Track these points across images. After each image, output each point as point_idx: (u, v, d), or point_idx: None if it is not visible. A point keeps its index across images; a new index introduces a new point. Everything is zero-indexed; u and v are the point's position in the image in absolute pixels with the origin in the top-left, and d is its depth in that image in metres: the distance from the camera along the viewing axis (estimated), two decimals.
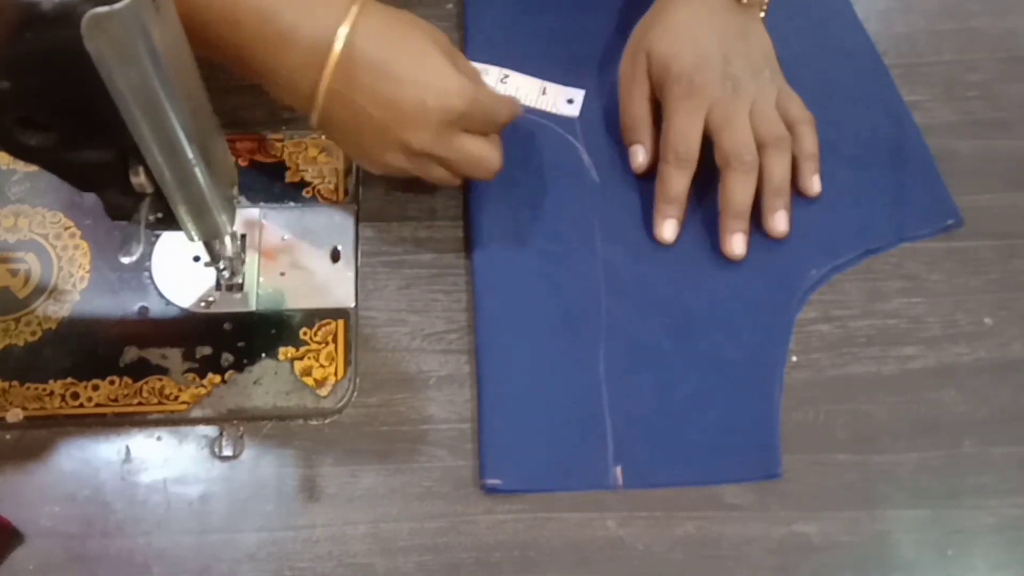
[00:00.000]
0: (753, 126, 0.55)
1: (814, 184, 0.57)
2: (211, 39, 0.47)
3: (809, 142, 0.56)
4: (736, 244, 0.55)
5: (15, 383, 0.50)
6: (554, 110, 0.61)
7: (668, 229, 0.56)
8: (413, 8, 0.52)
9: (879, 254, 0.57)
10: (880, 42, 0.64)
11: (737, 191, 0.55)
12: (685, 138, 0.55)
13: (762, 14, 0.58)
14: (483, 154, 0.51)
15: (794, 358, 0.54)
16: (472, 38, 0.63)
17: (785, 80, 0.58)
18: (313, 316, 0.53)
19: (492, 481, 0.49)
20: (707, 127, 0.55)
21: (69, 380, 0.51)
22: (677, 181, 0.55)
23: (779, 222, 0.56)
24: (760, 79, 0.56)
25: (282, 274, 0.54)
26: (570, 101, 0.61)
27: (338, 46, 0.46)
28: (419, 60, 0.48)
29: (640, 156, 0.58)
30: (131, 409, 0.50)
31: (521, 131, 0.59)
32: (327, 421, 0.51)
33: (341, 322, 0.53)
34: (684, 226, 0.57)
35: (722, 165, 0.55)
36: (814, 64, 0.62)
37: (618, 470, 0.50)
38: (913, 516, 0.50)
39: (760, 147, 0.55)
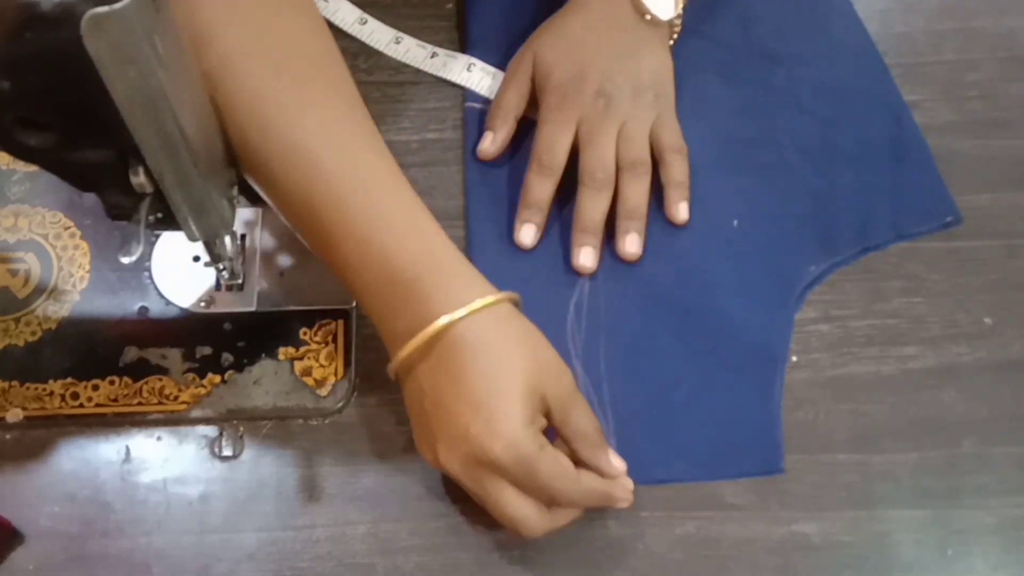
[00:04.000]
0: (617, 146, 0.55)
1: (680, 212, 0.56)
2: (338, 271, 0.47)
3: (677, 170, 0.56)
4: (584, 257, 0.55)
5: (15, 383, 0.50)
6: None
7: (527, 234, 0.55)
8: (413, 8, 0.52)
9: (878, 252, 0.57)
10: (880, 42, 0.64)
11: (587, 207, 0.54)
12: (550, 149, 0.55)
13: (672, 40, 0.58)
14: (515, 513, 0.44)
15: (794, 358, 0.54)
16: (472, 37, 0.63)
17: (673, 106, 0.57)
18: (313, 316, 0.53)
19: None
20: (576, 139, 0.55)
21: (69, 380, 0.51)
22: (539, 188, 0.55)
23: (630, 244, 0.55)
24: (639, 100, 0.55)
25: (282, 274, 0.54)
26: None
27: (434, 327, 0.43)
28: (493, 384, 0.43)
29: (487, 141, 0.58)
30: (131, 409, 0.50)
31: (519, 130, 0.59)
32: (327, 421, 0.51)
33: (341, 322, 0.53)
34: (684, 225, 0.57)
35: (579, 179, 0.55)
36: (814, 62, 0.62)
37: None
38: (913, 516, 0.50)
39: (618, 169, 0.55)
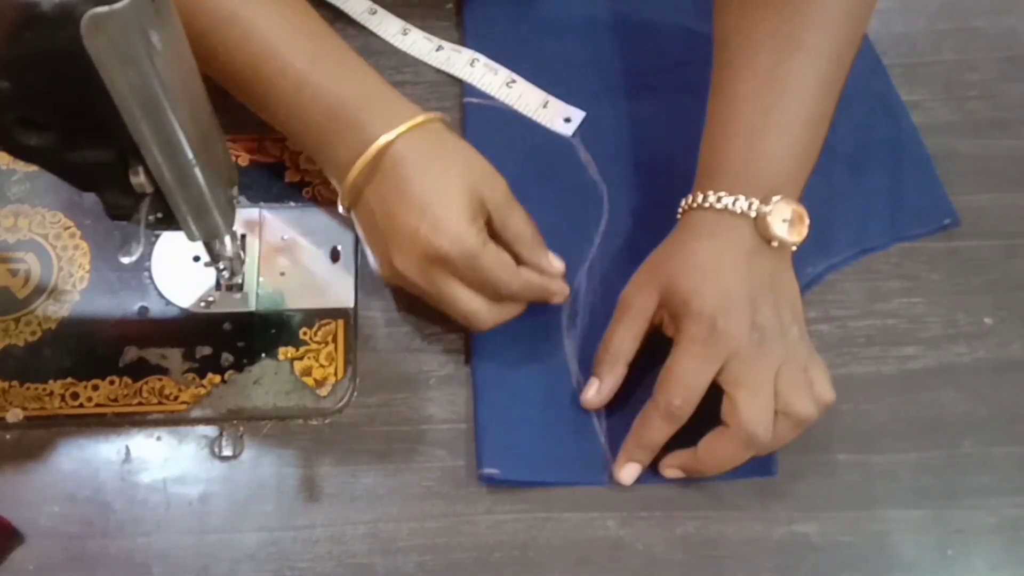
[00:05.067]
0: (778, 391, 0.47)
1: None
2: (276, 119, 0.51)
3: (810, 423, 0.48)
4: (673, 475, 0.50)
5: (15, 383, 0.50)
6: (550, 125, 0.60)
7: (629, 472, 0.50)
8: (412, 8, 0.52)
9: (876, 253, 0.57)
10: (880, 42, 0.64)
11: (725, 456, 0.48)
12: (687, 389, 0.47)
13: (793, 249, 0.50)
14: (466, 307, 0.49)
15: None
16: (470, 36, 0.63)
17: (810, 342, 0.50)
18: (313, 316, 0.53)
19: (489, 470, 0.49)
20: (722, 377, 0.47)
21: (69, 380, 0.51)
22: (659, 431, 0.48)
23: (668, 472, 0.50)
24: (787, 338, 0.48)
25: (282, 274, 0.54)
26: (567, 120, 0.60)
27: (374, 147, 0.48)
28: (436, 190, 0.47)
29: (592, 390, 0.51)
30: (131, 409, 0.50)
31: (518, 129, 0.59)
32: (327, 421, 0.51)
33: (341, 322, 0.53)
34: None
35: (727, 421, 0.47)
36: None
37: (614, 466, 0.50)
38: (913, 516, 0.50)
39: (776, 414, 0.47)
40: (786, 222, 0.49)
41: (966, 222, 0.58)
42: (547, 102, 0.61)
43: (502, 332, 0.53)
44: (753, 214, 0.49)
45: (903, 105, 0.62)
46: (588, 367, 0.52)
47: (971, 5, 0.67)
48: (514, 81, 0.61)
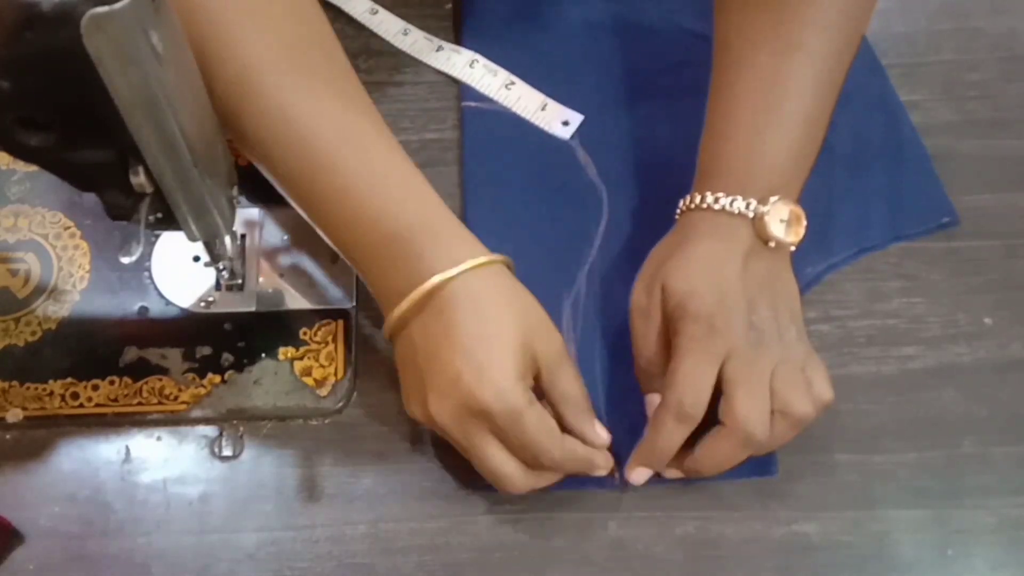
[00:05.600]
0: (774, 390, 0.46)
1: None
2: (329, 233, 0.48)
3: (808, 424, 0.48)
4: (674, 476, 0.49)
5: (15, 383, 0.50)
6: (548, 128, 0.60)
7: (640, 475, 0.49)
8: (411, 8, 0.52)
9: (876, 253, 0.57)
10: (880, 42, 0.64)
11: (722, 456, 0.47)
12: (695, 388, 0.46)
13: (791, 249, 0.50)
14: (499, 468, 0.45)
15: None
16: (468, 36, 0.63)
17: (810, 344, 0.49)
18: (313, 316, 0.53)
19: None
20: (721, 376, 0.47)
21: (69, 380, 0.51)
22: (672, 435, 0.47)
23: (670, 474, 0.49)
24: (785, 338, 0.48)
25: (282, 274, 0.54)
26: (565, 123, 0.60)
27: (428, 284, 0.44)
28: (487, 340, 0.44)
29: (658, 401, 0.49)
30: (131, 409, 0.50)
31: (516, 132, 0.59)
32: (327, 421, 0.51)
33: (341, 322, 0.53)
34: None
35: (723, 420, 0.46)
36: None
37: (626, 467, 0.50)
38: (913, 516, 0.50)
39: (773, 413, 0.46)
40: (783, 223, 0.48)
41: (966, 222, 0.58)
42: (545, 105, 0.61)
43: None
44: (751, 214, 0.48)
45: (902, 105, 0.62)
46: (588, 369, 0.52)
47: (971, 5, 0.67)
48: (513, 83, 0.61)
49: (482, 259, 0.45)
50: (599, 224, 0.57)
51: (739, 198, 0.49)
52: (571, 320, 0.54)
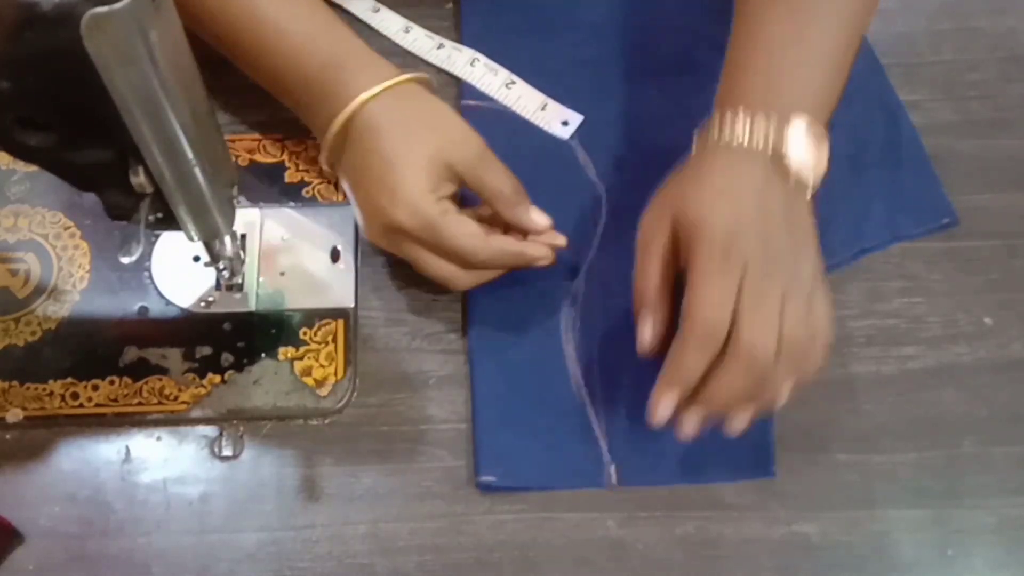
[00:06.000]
0: (780, 323, 0.45)
1: (780, 393, 0.47)
2: (261, 79, 0.53)
3: (811, 362, 0.47)
4: (689, 424, 0.47)
5: (15, 383, 0.50)
6: (548, 128, 0.60)
7: (665, 407, 0.46)
8: (412, 7, 0.52)
9: (876, 253, 0.57)
10: (880, 42, 0.64)
11: (724, 384, 0.45)
12: (715, 316, 0.44)
13: (809, 194, 0.48)
14: (437, 273, 0.50)
15: None
16: (468, 35, 0.63)
17: (825, 283, 0.48)
18: (313, 316, 0.53)
19: (487, 478, 0.49)
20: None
21: (69, 380, 0.51)
22: (695, 363, 0.45)
23: (738, 422, 0.47)
24: (797, 266, 0.46)
25: (282, 274, 0.54)
26: (565, 123, 0.60)
27: (351, 107, 0.48)
28: (397, 161, 0.48)
29: (648, 331, 0.48)
30: (131, 409, 0.50)
31: (516, 130, 0.59)
32: (327, 421, 0.51)
33: (341, 322, 0.53)
34: None
35: (729, 349, 0.45)
36: None
37: (612, 468, 0.50)
38: (913, 516, 0.50)
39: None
40: (805, 142, 0.47)
41: (966, 222, 0.58)
42: (545, 104, 0.61)
43: (500, 334, 0.53)
44: (771, 137, 0.47)
45: (901, 105, 0.62)
46: (588, 369, 0.53)
47: (971, 5, 0.67)
48: (513, 82, 0.61)
49: (400, 78, 0.49)
50: (598, 224, 0.57)
51: (760, 116, 0.47)
52: (569, 320, 0.54)
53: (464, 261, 0.49)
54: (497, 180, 0.50)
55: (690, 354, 0.45)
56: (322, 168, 0.54)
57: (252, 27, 0.51)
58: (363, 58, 0.51)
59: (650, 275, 0.48)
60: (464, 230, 0.48)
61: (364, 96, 0.48)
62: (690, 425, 0.46)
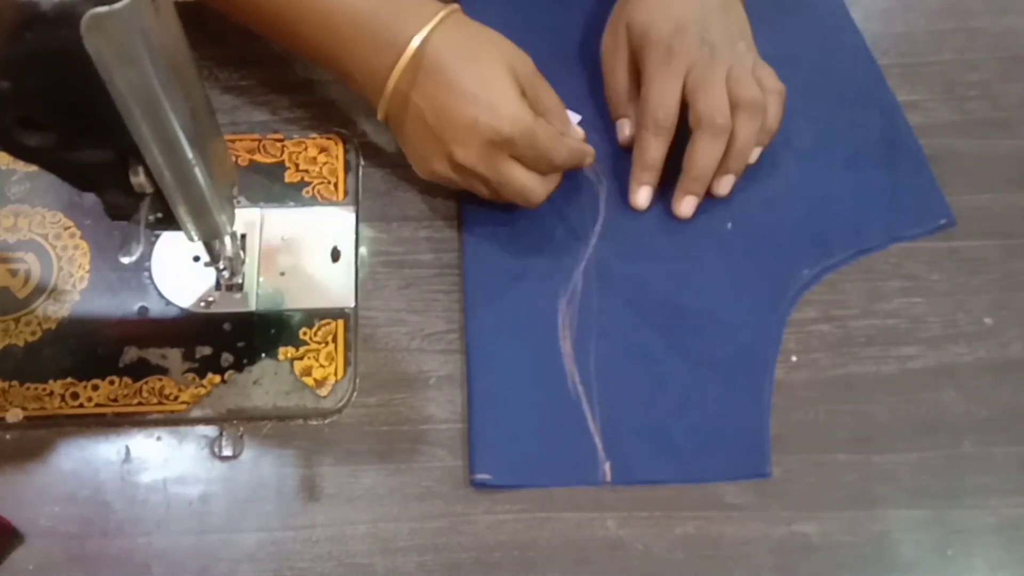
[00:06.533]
0: (729, 90, 0.54)
1: (752, 154, 0.56)
2: (301, 39, 0.53)
3: (772, 115, 0.55)
4: (687, 205, 0.56)
5: (15, 383, 0.50)
6: None
7: (643, 195, 0.57)
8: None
9: (875, 253, 0.57)
10: (880, 42, 0.64)
11: (704, 153, 0.55)
12: (663, 103, 0.55)
13: None
14: (525, 185, 0.52)
15: (794, 358, 0.54)
16: None
17: (759, 56, 0.57)
18: (313, 316, 0.53)
19: (482, 476, 0.49)
20: (684, 91, 0.55)
21: (69, 380, 0.51)
22: (655, 147, 0.56)
23: (724, 186, 0.57)
24: (736, 49, 0.56)
25: (282, 274, 0.54)
26: None
27: (410, 49, 0.50)
28: (483, 78, 0.50)
29: (627, 129, 0.59)
30: (131, 409, 0.50)
31: None
32: (327, 421, 0.51)
33: (341, 322, 0.53)
34: (677, 224, 0.57)
35: (694, 126, 0.54)
36: (806, 64, 0.62)
37: (607, 466, 0.50)
38: (913, 516, 0.50)
39: (733, 109, 0.54)
40: None
41: (966, 222, 0.58)
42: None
43: (497, 332, 0.53)
44: None
45: (899, 106, 0.62)
46: (584, 367, 0.53)
47: (971, 5, 0.67)
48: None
49: (444, 11, 0.51)
50: (596, 222, 0.57)
51: None
52: (567, 317, 0.54)
53: (549, 163, 0.52)
54: (550, 95, 0.54)
55: (649, 140, 0.56)
56: (379, 118, 0.54)
57: None
58: (405, 2, 0.52)
59: (618, 87, 0.59)
60: (551, 131, 0.52)
61: (426, 29, 0.50)
62: (685, 205, 0.56)
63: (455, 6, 0.52)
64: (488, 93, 0.50)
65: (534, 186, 0.53)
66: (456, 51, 0.50)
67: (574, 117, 0.60)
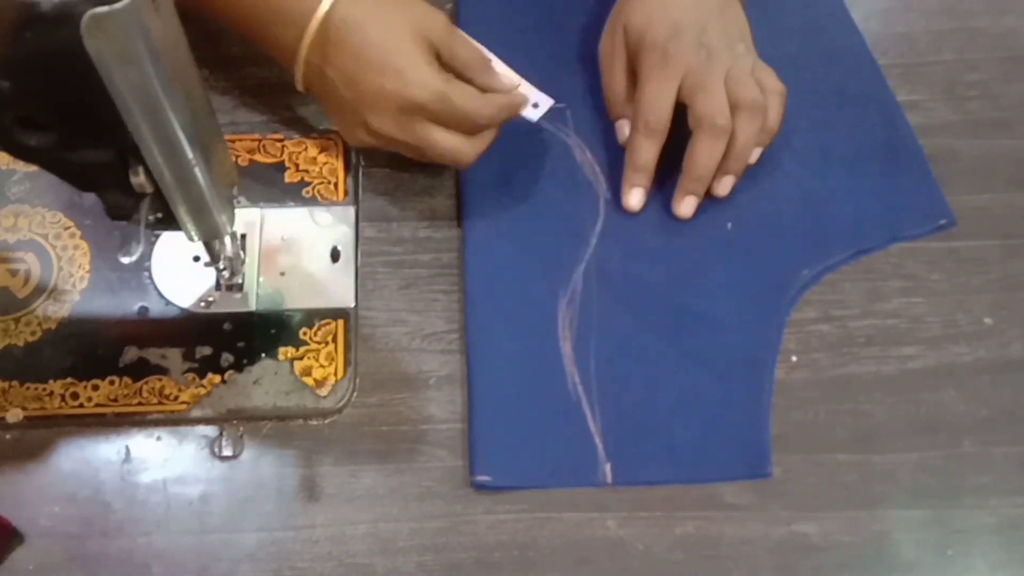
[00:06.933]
0: (728, 91, 0.54)
1: (752, 155, 0.56)
2: (223, 15, 0.53)
3: (773, 115, 0.55)
4: (687, 206, 0.56)
5: (15, 383, 0.50)
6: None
7: (635, 197, 0.57)
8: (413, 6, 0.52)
9: (875, 254, 0.57)
10: (880, 42, 0.64)
11: (704, 154, 0.54)
12: (656, 107, 0.55)
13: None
14: (448, 147, 0.51)
15: (794, 358, 0.54)
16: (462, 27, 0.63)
17: (759, 57, 0.57)
18: (313, 316, 0.53)
19: (482, 478, 0.49)
20: (681, 94, 0.55)
21: (69, 380, 0.51)
22: (646, 150, 0.56)
23: (723, 186, 0.57)
24: (734, 51, 0.56)
25: (282, 274, 0.54)
26: (535, 105, 0.57)
27: (315, 19, 0.50)
28: (391, 45, 0.49)
29: (626, 130, 0.58)
30: (131, 409, 0.50)
31: (514, 129, 0.59)
32: (327, 421, 0.51)
33: (341, 322, 0.53)
34: (677, 225, 0.57)
35: (694, 127, 0.54)
36: (806, 65, 0.62)
37: (607, 467, 0.50)
38: (913, 516, 0.50)
39: (733, 110, 0.54)
40: None
41: (966, 222, 0.58)
42: (519, 85, 0.59)
43: (498, 333, 0.53)
44: None
45: (899, 106, 0.62)
46: (584, 368, 0.53)
47: (971, 5, 0.67)
48: (490, 61, 0.60)
49: None
50: (596, 223, 0.57)
51: None
52: (567, 317, 0.54)
53: (471, 124, 0.51)
54: (466, 49, 0.52)
55: (640, 142, 0.56)
56: (298, 88, 0.54)
57: None
58: None
59: (616, 88, 0.59)
60: (468, 91, 0.51)
61: (328, 4, 0.49)
62: (685, 205, 0.57)
63: None
64: (394, 59, 0.49)
65: (459, 147, 0.52)
66: (362, 19, 0.50)
67: (546, 100, 0.59)
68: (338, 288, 0.54)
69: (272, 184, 0.57)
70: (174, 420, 0.50)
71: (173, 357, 0.51)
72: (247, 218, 0.55)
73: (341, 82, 0.51)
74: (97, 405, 0.50)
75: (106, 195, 0.41)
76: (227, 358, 0.52)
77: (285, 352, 0.52)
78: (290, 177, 0.57)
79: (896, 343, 0.55)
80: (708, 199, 0.57)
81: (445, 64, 0.51)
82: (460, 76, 0.52)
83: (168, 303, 0.53)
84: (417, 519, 0.49)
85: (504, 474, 0.50)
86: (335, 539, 0.48)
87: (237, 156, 0.57)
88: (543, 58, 0.63)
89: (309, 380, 0.51)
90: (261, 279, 0.54)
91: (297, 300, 0.53)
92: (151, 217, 0.42)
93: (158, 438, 0.50)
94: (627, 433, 0.51)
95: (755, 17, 0.58)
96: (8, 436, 0.50)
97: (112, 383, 0.51)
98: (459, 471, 0.50)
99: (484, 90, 0.52)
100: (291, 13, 0.50)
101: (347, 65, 0.50)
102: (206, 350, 0.52)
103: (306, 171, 0.57)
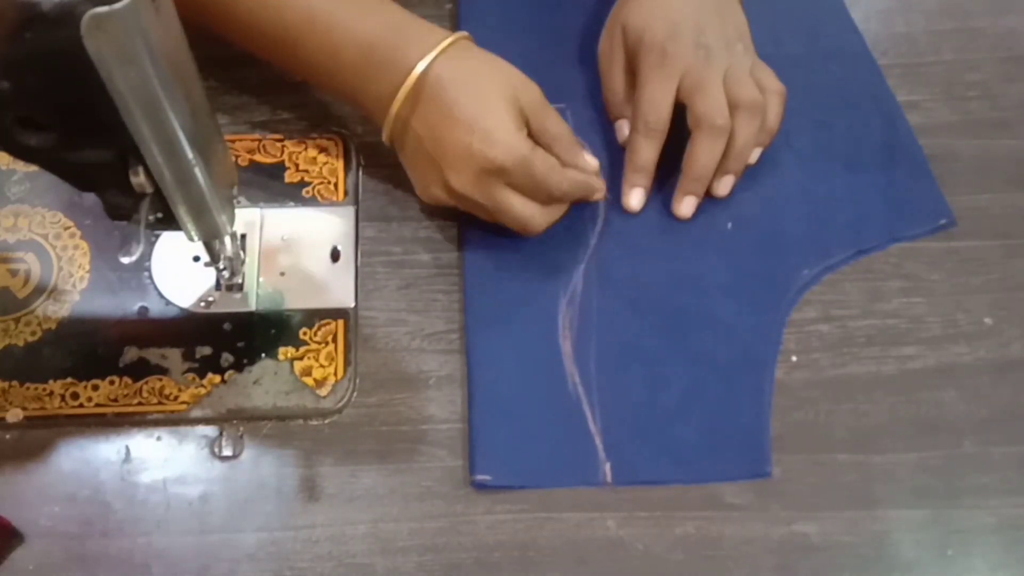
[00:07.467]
0: (727, 91, 0.54)
1: (752, 155, 0.57)
2: (306, 65, 0.54)
3: (772, 115, 0.56)
4: (687, 206, 0.57)
5: (15, 383, 0.50)
6: None
7: (635, 198, 0.57)
8: (413, 8, 0.52)
9: (875, 254, 0.57)
10: (880, 42, 0.64)
11: (703, 154, 0.55)
12: (655, 107, 0.55)
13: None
14: (521, 213, 0.52)
15: (794, 358, 0.54)
16: (462, 26, 0.63)
17: (758, 57, 0.57)
18: (313, 316, 0.53)
19: (482, 477, 0.49)
20: (680, 94, 0.55)
21: (69, 380, 0.51)
22: (646, 150, 0.56)
23: (723, 187, 0.57)
24: (733, 50, 0.56)
25: (282, 274, 0.54)
26: None
27: (413, 75, 0.50)
28: (481, 106, 0.50)
29: (625, 130, 0.59)
30: (131, 409, 0.50)
31: None
32: (327, 421, 0.51)
33: (341, 322, 0.53)
34: (677, 225, 0.57)
35: (693, 127, 0.55)
36: (806, 65, 0.62)
37: (607, 467, 0.50)
38: (913, 516, 0.50)
39: (732, 110, 0.54)
40: None
41: (966, 222, 0.58)
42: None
43: (498, 332, 0.53)
44: None
45: (899, 106, 0.62)
46: (585, 368, 0.53)
47: (971, 5, 0.67)
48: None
49: (449, 39, 0.51)
50: (596, 223, 0.57)
51: None
52: (567, 317, 0.54)
53: (547, 195, 0.52)
54: (556, 124, 0.53)
55: (640, 143, 0.56)
56: (387, 141, 0.54)
57: (289, 12, 0.51)
58: (411, 24, 0.52)
59: (616, 89, 0.59)
60: (550, 162, 0.51)
61: (431, 56, 0.50)
62: (685, 205, 0.57)
63: (463, 33, 0.52)
64: (484, 121, 0.50)
65: (532, 215, 0.52)
66: (457, 78, 0.50)
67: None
68: (338, 288, 0.54)
69: (272, 184, 0.57)
70: (174, 420, 0.50)
71: (173, 357, 0.51)
72: (247, 218, 0.55)
73: (427, 137, 0.51)
74: (97, 405, 0.50)
75: (106, 195, 0.41)
76: (227, 358, 0.52)
77: (285, 352, 0.52)
78: (290, 177, 0.57)
79: (896, 343, 0.55)
80: (708, 199, 0.57)
81: (534, 134, 0.52)
82: (547, 149, 0.52)
83: (168, 303, 0.53)
84: (417, 519, 0.49)
85: (504, 473, 0.50)
86: (335, 539, 0.48)
87: (237, 156, 0.57)
88: (543, 58, 0.63)
89: (309, 380, 0.51)
90: (261, 279, 0.54)
91: (297, 300, 0.53)
92: (151, 217, 0.42)
93: (158, 438, 0.50)
94: (627, 433, 0.51)
95: (755, 17, 0.58)
96: (8, 436, 0.50)
97: (112, 383, 0.51)
98: (459, 471, 0.50)
99: (567, 164, 0.53)
100: (389, 66, 0.50)
101: (436, 121, 0.50)
102: (206, 350, 0.52)
103: (306, 171, 0.57)
